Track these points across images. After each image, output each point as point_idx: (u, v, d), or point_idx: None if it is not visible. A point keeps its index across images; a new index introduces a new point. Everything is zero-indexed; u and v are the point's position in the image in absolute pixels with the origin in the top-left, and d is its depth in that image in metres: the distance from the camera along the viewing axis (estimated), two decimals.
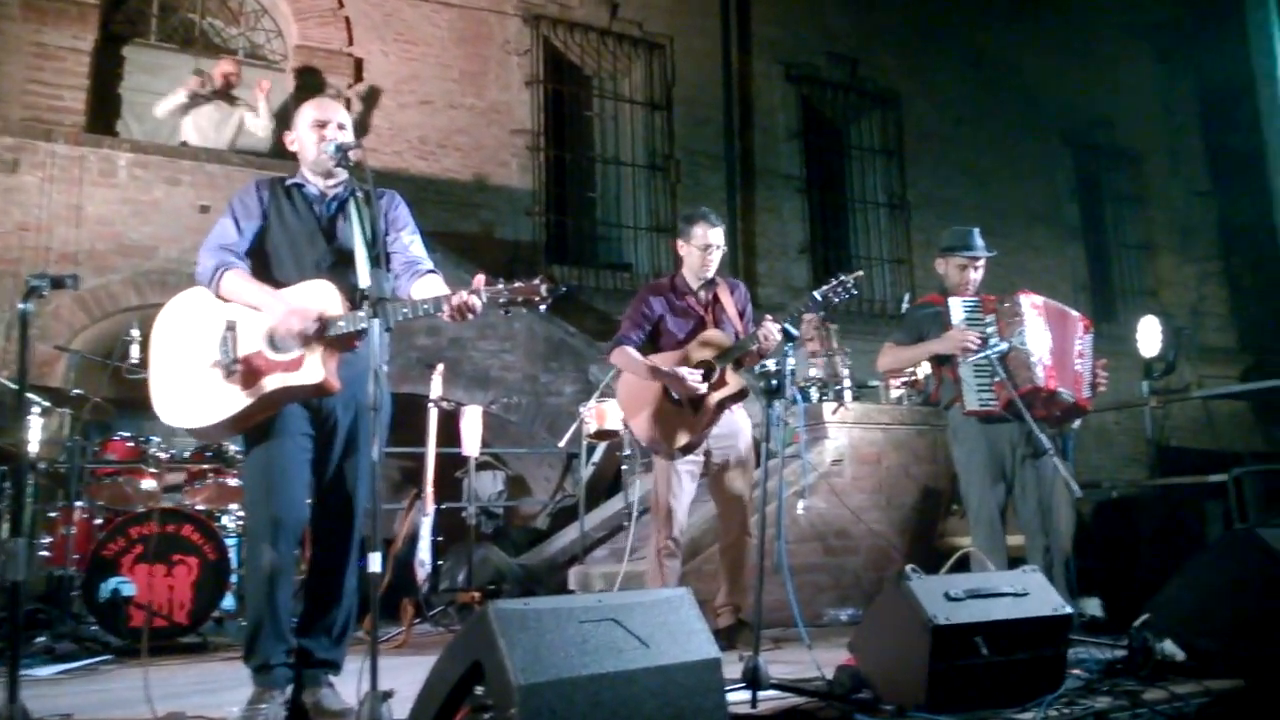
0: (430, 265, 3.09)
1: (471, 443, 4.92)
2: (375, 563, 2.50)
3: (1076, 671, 3.05)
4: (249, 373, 2.81)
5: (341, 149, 2.91)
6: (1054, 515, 3.96)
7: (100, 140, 6.69)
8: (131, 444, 5.14)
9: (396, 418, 6.29)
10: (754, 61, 10.06)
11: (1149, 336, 5.73)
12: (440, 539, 5.41)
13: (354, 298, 2.83)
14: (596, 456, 6.82)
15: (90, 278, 6.31)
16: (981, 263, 4.26)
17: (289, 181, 3.05)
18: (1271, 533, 3.32)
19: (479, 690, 2.25)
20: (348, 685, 2.73)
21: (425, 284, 3.02)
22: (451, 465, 6.07)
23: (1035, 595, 2.81)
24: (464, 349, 7.31)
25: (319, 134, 3.00)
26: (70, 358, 5.54)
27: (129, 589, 4.44)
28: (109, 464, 5.08)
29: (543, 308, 2.74)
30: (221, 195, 6.49)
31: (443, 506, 5.03)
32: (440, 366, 4.78)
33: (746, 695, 2.78)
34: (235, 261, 2.89)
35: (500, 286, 2.71)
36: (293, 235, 2.97)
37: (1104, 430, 9.16)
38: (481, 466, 7.74)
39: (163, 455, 5.20)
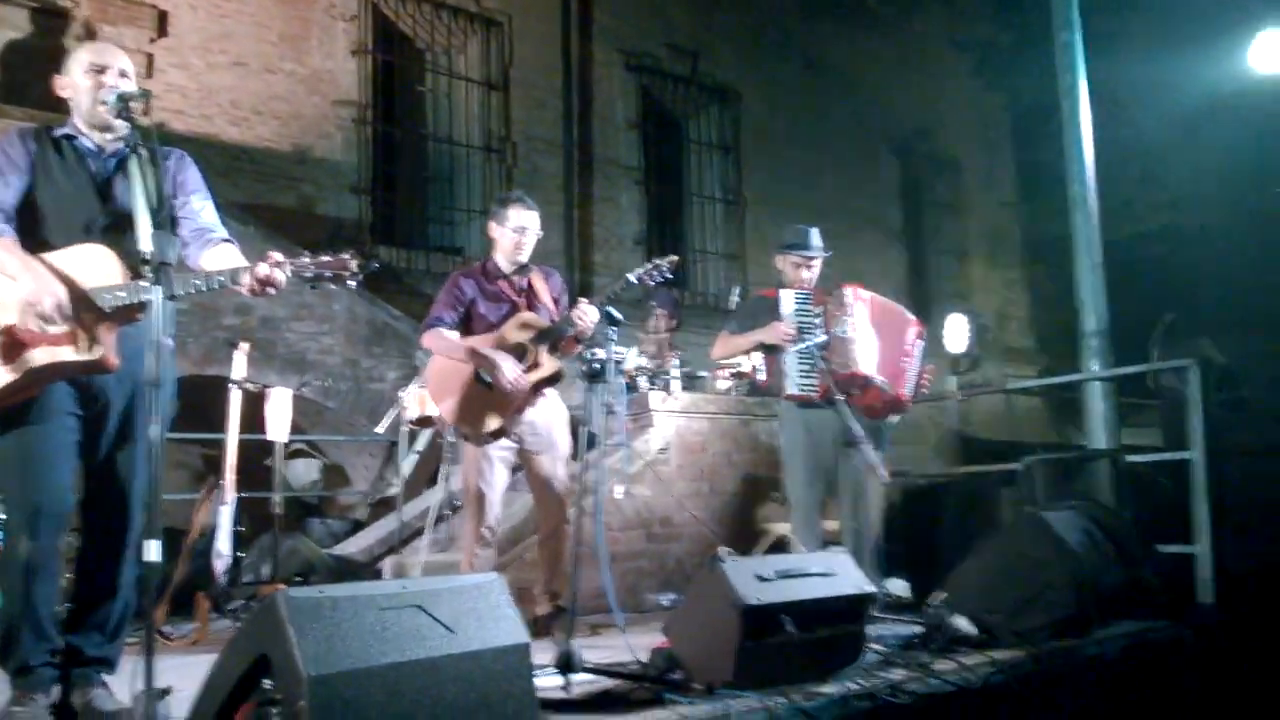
0: (224, 234, 2.85)
1: (278, 427, 4.64)
2: (154, 551, 2.28)
3: (877, 647, 3.17)
4: (10, 345, 2.51)
5: (124, 99, 2.61)
6: (864, 500, 4.13)
7: None
8: None
9: (200, 402, 5.88)
10: (594, 48, 9.98)
11: (956, 333, 6.09)
12: (244, 530, 5.09)
13: (134, 265, 2.56)
14: (420, 444, 6.60)
15: None
16: (817, 262, 4.43)
17: (58, 132, 2.72)
18: (1056, 515, 3.56)
19: (267, 684, 2.09)
20: (125, 685, 2.49)
21: (219, 253, 2.78)
22: (261, 453, 5.72)
23: (841, 575, 2.90)
24: (277, 329, 6.91)
25: (96, 81, 2.68)
26: None
27: None
28: None
29: (352, 284, 2.60)
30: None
31: (246, 495, 4.71)
32: (245, 345, 4.47)
33: (560, 680, 2.73)
34: (3, 230, 2.56)
35: (306, 260, 2.55)
36: (62, 193, 2.66)
37: (918, 425, 9.66)
38: (296, 454, 7.35)
39: None
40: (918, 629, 3.46)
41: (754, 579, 2.73)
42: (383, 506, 6.65)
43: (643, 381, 5.59)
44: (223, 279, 2.59)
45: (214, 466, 6.36)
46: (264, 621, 2.07)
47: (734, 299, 6.44)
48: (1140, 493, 4.41)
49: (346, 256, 2.55)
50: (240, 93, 7.98)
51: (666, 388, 5.47)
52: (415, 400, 5.33)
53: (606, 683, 2.80)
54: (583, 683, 2.78)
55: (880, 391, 4.20)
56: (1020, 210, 13.55)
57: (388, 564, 4.77)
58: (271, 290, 2.57)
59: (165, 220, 2.48)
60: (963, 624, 3.35)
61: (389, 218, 8.86)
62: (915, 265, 12.65)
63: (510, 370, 3.82)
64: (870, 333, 4.20)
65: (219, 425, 4.64)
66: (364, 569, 5.54)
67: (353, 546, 5.95)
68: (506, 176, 9.31)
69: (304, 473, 7.28)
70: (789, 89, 11.35)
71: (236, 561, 4.48)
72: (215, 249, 2.79)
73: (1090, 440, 4.95)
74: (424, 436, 6.40)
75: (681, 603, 2.97)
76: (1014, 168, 13.69)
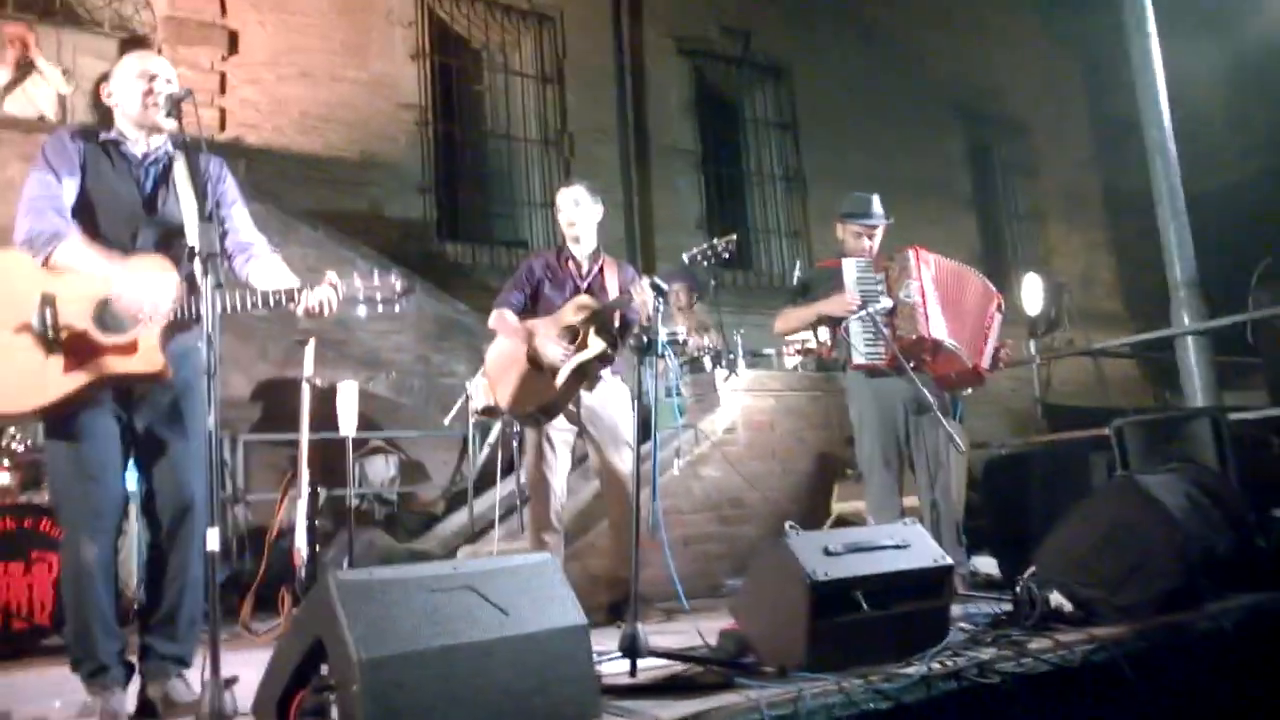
0: (266, 245, 2.88)
1: (347, 422, 4.67)
2: (213, 540, 2.29)
3: (963, 625, 3.00)
4: (71, 354, 2.53)
5: (173, 99, 2.65)
6: (943, 472, 3.96)
7: None
8: None
9: (282, 404, 5.97)
10: (645, 34, 9.89)
11: (1032, 295, 5.80)
12: (326, 526, 5.15)
13: (188, 277, 2.61)
14: (491, 438, 6.61)
15: None
16: (879, 230, 4.28)
17: (104, 136, 2.74)
18: (1152, 478, 3.33)
19: (324, 670, 2.07)
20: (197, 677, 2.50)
21: (267, 267, 2.82)
22: (340, 452, 5.81)
23: (916, 547, 2.75)
24: (351, 330, 7.00)
25: (149, 85, 2.70)
26: None
27: None
28: None
29: (396, 307, 2.71)
30: None
31: (321, 490, 4.76)
32: (311, 342, 4.50)
33: (625, 664, 2.65)
34: (69, 229, 2.58)
35: (357, 283, 2.65)
36: (112, 199, 2.68)
37: (996, 397, 9.33)
38: (374, 452, 7.45)
39: (18, 448, 4.87)
40: (1006, 607, 3.26)
41: (821, 553, 2.60)
42: (459, 501, 6.69)
43: (707, 361, 5.48)
44: (279, 298, 2.64)
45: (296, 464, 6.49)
46: (318, 605, 2.05)
47: (797, 274, 6.28)
48: (1247, 454, 4.10)
49: (391, 279, 2.66)
50: (309, 103, 8.13)
51: (731, 366, 5.35)
52: (481, 390, 5.32)
53: (674, 666, 2.71)
54: (649, 668, 2.70)
55: (954, 358, 4.02)
56: (1099, 167, 12.96)
57: (461, 555, 4.76)
58: (325, 313, 2.64)
59: (212, 218, 2.52)
60: (1057, 599, 3.16)
61: (453, 215, 8.93)
62: (988, 232, 12.21)
63: (550, 347, 3.85)
64: (938, 296, 4.02)
65: (299, 427, 4.69)
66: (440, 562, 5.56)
67: (429, 540, 5.99)
68: (565, 168, 9.28)
69: (382, 469, 7.35)
70: (845, 60, 11.07)
71: (314, 555, 4.52)
72: (261, 263, 2.83)
73: (1187, 399, 4.65)
74: (495, 429, 6.41)
75: (744, 582, 2.85)
76: (1089, 123, 13.12)
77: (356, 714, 1.88)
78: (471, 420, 5.44)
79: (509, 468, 5.40)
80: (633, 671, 2.63)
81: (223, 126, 7.76)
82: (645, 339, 2.89)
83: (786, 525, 2.71)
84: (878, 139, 10.96)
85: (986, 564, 4.62)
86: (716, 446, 5.06)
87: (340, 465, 5.71)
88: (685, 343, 5.64)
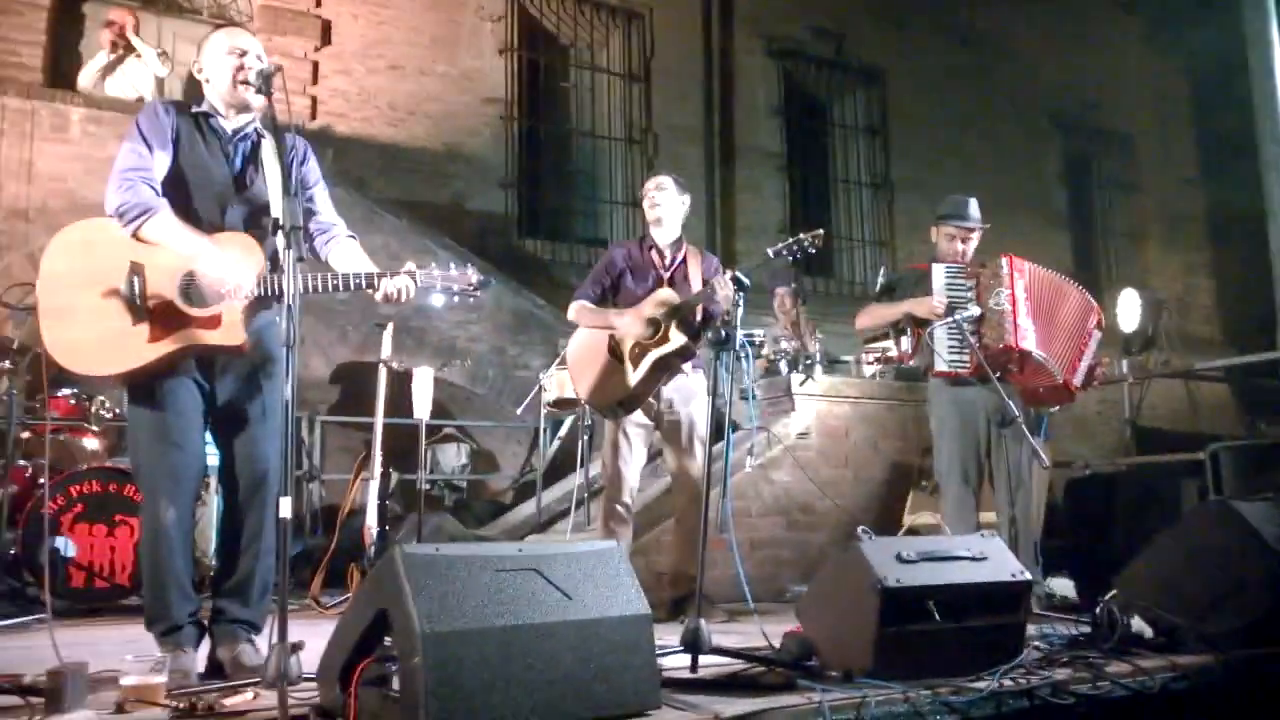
0: (346, 229, 2.93)
1: (422, 406, 4.73)
2: (285, 508, 2.31)
3: (1038, 644, 2.89)
4: (157, 323, 2.59)
5: (264, 75, 2.66)
6: (1024, 488, 3.83)
7: (53, 95, 6.46)
8: (73, 401, 4.99)
9: (360, 388, 6.08)
10: (735, 34, 9.84)
11: (1129, 312, 5.57)
12: (396, 509, 5.23)
13: (273, 255, 2.65)
14: (563, 431, 6.64)
15: (41, 235, 6.07)
16: (975, 235, 4.18)
17: (196, 109, 2.78)
18: (1249, 506, 3.16)
19: (387, 641, 2.08)
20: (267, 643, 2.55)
21: (346, 251, 2.87)
22: (413, 438, 5.90)
23: (993, 560, 2.65)
24: (429, 318, 7.11)
25: (239, 62, 2.72)
26: (15, 315, 5.31)
27: (69, 549, 4.32)
28: (50, 421, 4.89)
29: (471, 300, 2.76)
30: None
31: (397, 474, 4.85)
32: (390, 326, 4.58)
33: (686, 659, 2.61)
34: (160, 202, 2.63)
35: (435, 272, 2.71)
36: (203, 174, 2.72)
37: (1085, 419, 9.01)
38: (447, 439, 7.55)
39: (106, 414, 5.05)
40: (1084, 629, 3.12)
41: (894, 560, 2.53)
42: (527, 492, 6.73)
43: (783, 365, 5.41)
44: (359, 281, 2.68)
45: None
46: (384, 577, 2.06)
47: (881, 279, 6.14)
48: None
49: (467, 271, 2.72)
50: (396, 94, 8.30)
51: (808, 371, 5.26)
52: (555, 383, 5.34)
53: (736, 665, 2.67)
54: (710, 665, 2.65)
55: (1043, 370, 3.89)
56: (1203, 186, 12.41)
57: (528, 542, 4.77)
58: (403, 300, 2.70)
59: (296, 196, 2.54)
60: (1139, 624, 3.02)
61: (534, 211, 9.00)
62: (1082, 250, 11.79)
63: (634, 326, 3.84)
64: (1030, 305, 3.89)
65: (372, 411, 4.78)
66: None
67: (496, 529, 6.04)
68: (648, 167, 9.28)
69: (453, 457, 7.46)
70: (939, 66, 10.81)
71: (384, 534, 4.59)
72: (343, 245, 2.87)
73: None
74: (567, 422, 6.43)
75: (812, 583, 2.79)
76: (1195, 140, 12.57)
77: (417, 686, 1.88)
78: (544, 412, 5.46)
79: (580, 461, 5.42)
80: (694, 667, 2.59)
81: (314, 115, 7.97)
82: (723, 333, 2.84)
83: (859, 529, 2.64)
84: (970, 149, 10.71)
85: (1063, 585, 4.46)
86: (789, 451, 4.98)
87: (412, 451, 5.80)
88: (762, 344, 5.57)
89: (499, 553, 2.18)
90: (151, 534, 2.65)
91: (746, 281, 2.96)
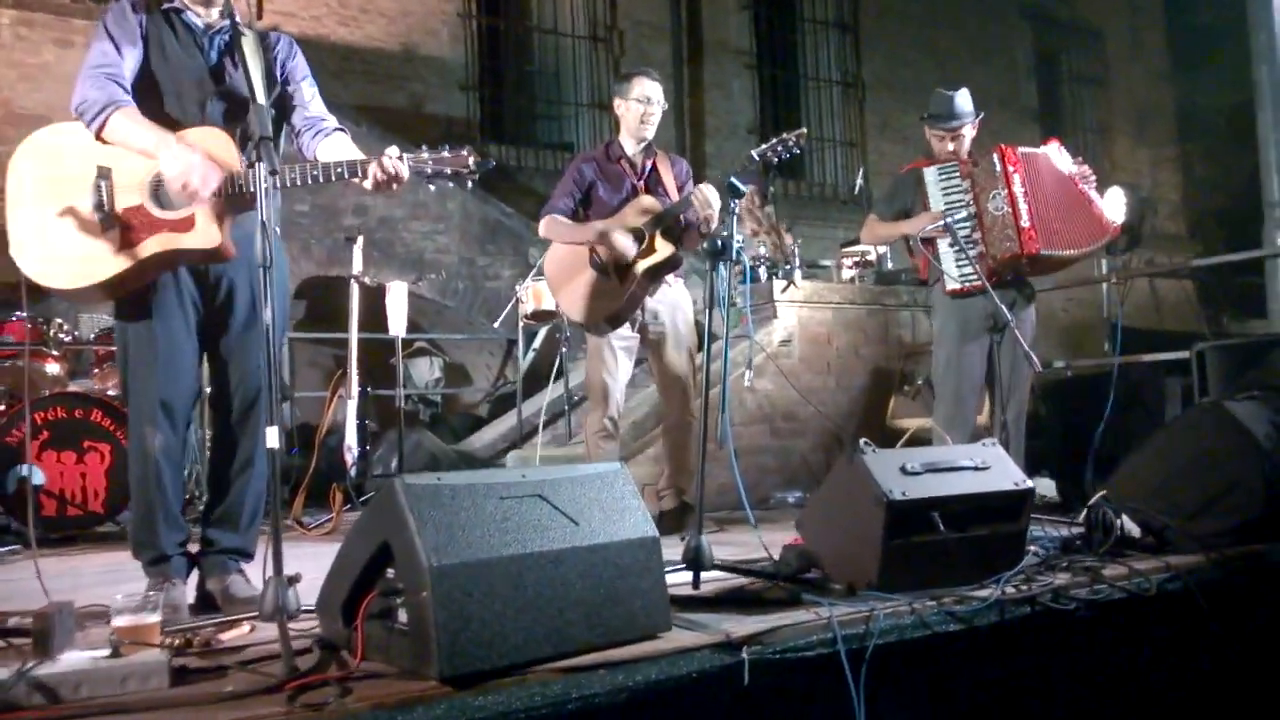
0: (335, 122, 2.74)
1: (397, 322, 4.61)
2: (272, 438, 2.21)
3: (1033, 548, 2.90)
4: (128, 230, 2.44)
5: None
6: (1016, 394, 3.81)
7: None
8: (31, 325, 4.78)
9: (327, 302, 5.91)
10: None
11: (1114, 208, 5.50)
12: (373, 426, 5.14)
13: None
14: (537, 342, 6.55)
15: None
16: (966, 130, 3.99)
17: (166, 5, 2.59)
18: (1239, 406, 3.18)
19: (390, 573, 2.02)
20: (259, 572, 2.48)
21: (334, 144, 2.68)
22: (386, 351, 5.78)
23: (995, 469, 2.63)
24: (394, 229, 6.91)
25: None
26: None
27: (38, 477, 4.19)
28: (7, 346, 4.69)
29: (469, 183, 2.57)
30: None
31: (371, 391, 4.74)
32: (360, 239, 4.41)
33: (688, 576, 2.59)
34: (125, 98, 2.46)
35: (426, 155, 2.48)
36: (176, 69, 2.56)
37: (1050, 315, 9.08)
38: (418, 353, 7.43)
39: (65, 338, 4.86)
40: (1076, 530, 3.15)
41: (898, 472, 2.50)
42: (504, 404, 6.67)
43: (763, 271, 5.32)
44: (341, 170, 2.48)
45: (343, 364, 6.52)
46: (385, 509, 1.98)
47: (859, 184, 6.03)
48: None
49: (464, 153, 2.48)
50: None
51: (789, 277, 5.18)
52: (531, 294, 5.22)
53: (738, 580, 2.65)
54: (712, 579, 2.64)
55: (1058, 257, 3.77)
56: (1174, 82, 12.34)
57: (511, 459, 4.73)
58: (394, 186, 2.49)
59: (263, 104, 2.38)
60: (1129, 525, 3.05)
61: (496, 114, 8.70)
62: None
63: (619, 237, 3.69)
64: (1030, 202, 3.72)
65: (345, 326, 4.66)
66: (487, 464, 5.57)
67: (476, 443, 5.99)
68: (614, 66, 8.98)
69: (426, 371, 7.36)
70: None
71: (364, 454, 4.52)
72: (329, 139, 2.69)
73: (1273, 324, 4.41)
74: (541, 333, 6.33)
75: (811, 497, 2.76)
76: (1165, 34, 12.43)
77: (427, 620, 1.82)
78: (520, 325, 5.35)
79: (556, 373, 5.35)
80: (695, 584, 2.57)
81: (259, 14, 7.54)
82: (719, 242, 2.73)
83: (861, 442, 2.60)
84: (941, 44, 10.49)
85: (1045, 485, 4.51)
86: (771, 359, 4.93)
87: (383, 366, 5.70)
88: (742, 249, 5.45)
89: (503, 479, 2.11)
90: (140, 462, 2.55)
91: (742, 188, 2.85)
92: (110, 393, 4.66)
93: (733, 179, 2.79)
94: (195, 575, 2.66)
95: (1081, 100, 11.98)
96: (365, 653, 1.95)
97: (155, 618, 2.04)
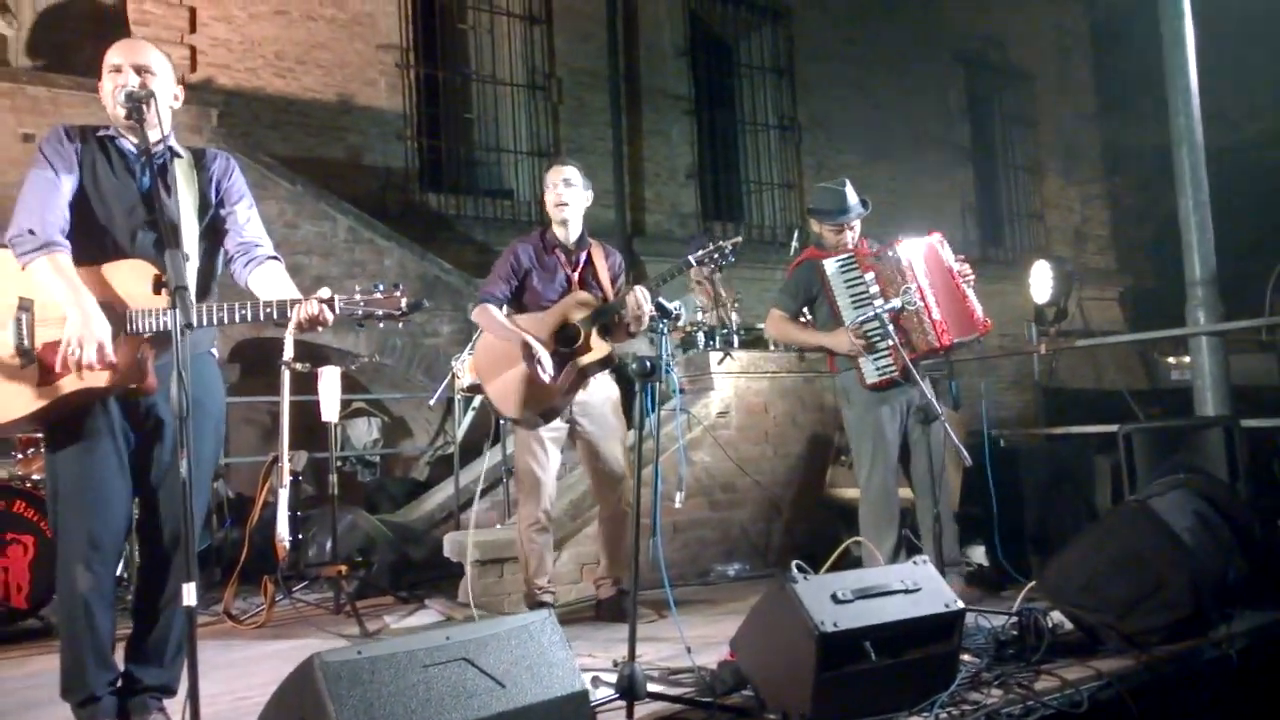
0: (270, 249, 2.71)
1: (330, 407, 4.51)
2: (190, 595, 2.15)
3: (966, 657, 2.91)
4: (47, 367, 2.40)
5: (132, 98, 2.45)
6: (944, 477, 3.84)
7: None
8: None
9: (261, 362, 5.76)
10: None
11: (1041, 283, 5.63)
12: (306, 489, 5.01)
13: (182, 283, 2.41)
14: (476, 402, 6.47)
15: None
16: (856, 223, 4.02)
17: (101, 133, 2.58)
18: (1164, 501, 3.24)
19: None
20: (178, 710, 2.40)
21: (266, 274, 2.64)
22: (318, 415, 5.67)
23: (927, 590, 2.64)
24: (331, 289, 6.78)
25: (113, 82, 2.53)
26: None
27: None
28: None
29: (401, 324, 2.60)
30: (47, 122, 5.73)
31: (303, 452, 4.62)
32: (293, 326, 4.30)
33: (622, 704, 2.56)
34: (59, 243, 2.43)
35: (358, 296, 2.46)
36: (109, 197, 2.53)
37: (995, 367, 9.22)
38: (356, 414, 7.30)
39: None
40: (1010, 620, 3.15)
41: (830, 601, 2.50)
42: (444, 465, 6.57)
43: (700, 337, 5.32)
44: (270, 311, 2.46)
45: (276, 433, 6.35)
46: (303, 688, 1.93)
47: (794, 245, 6.07)
48: (1259, 463, 3.99)
49: (397, 293, 2.47)
50: (284, 43, 7.75)
51: (726, 345, 5.19)
52: (467, 369, 5.15)
53: (673, 707, 2.63)
54: (649, 705, 2.61)
55: (960, 342, 3.87)
56: (1100, 121, 12.72)
57: (447, 540, 4.64)
58: (319, 328, 2.46)
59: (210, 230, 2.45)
60: (1058, 618, 3.10)
61: (435, 163, 8.61)
62: (985, 183, 12.03)
63: (548, 368, 3.66)
64: (935, 293, 3.79)
65: (274, 389, 4.53)
66: (424, 537, 5.47)
67: (414, 513, 5.88)
68: (553, 114, 8.97)
69: (364, 432, 7.24)
70: (844, 4, 10.70)
71: (297, 544, 4.41)
72: (262, 268, 2.65)
73: (1198, 404, 4.52)
74: (478, 398, 6.25)
75: (746, 620, 2.75)
76: (1092, 76, 12.82)
77: None
78: (458, 397, 5.28)
79: (493, 439, 5.28)
80: (629, 716, 2.54)
81: (194, 68, 7.39)
82: (648, 364, 2.71)
83: (793, 565, 2.59)
84: (876, 87, 10.67)
85: (977, 554, 4.57)
86: (708, 430, 4.93)
87: (322, 428, 5.59)
88: (678, 316, 5.45)
89: (426, 644, 2.06)
90: (68, 602, 2.50)
91: (673, 310, 2.83)
92: (35, 477, 4.50)
93: (660, 300, 2.78)
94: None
95: (1012, 140, 12.27)
96: None
97: None
